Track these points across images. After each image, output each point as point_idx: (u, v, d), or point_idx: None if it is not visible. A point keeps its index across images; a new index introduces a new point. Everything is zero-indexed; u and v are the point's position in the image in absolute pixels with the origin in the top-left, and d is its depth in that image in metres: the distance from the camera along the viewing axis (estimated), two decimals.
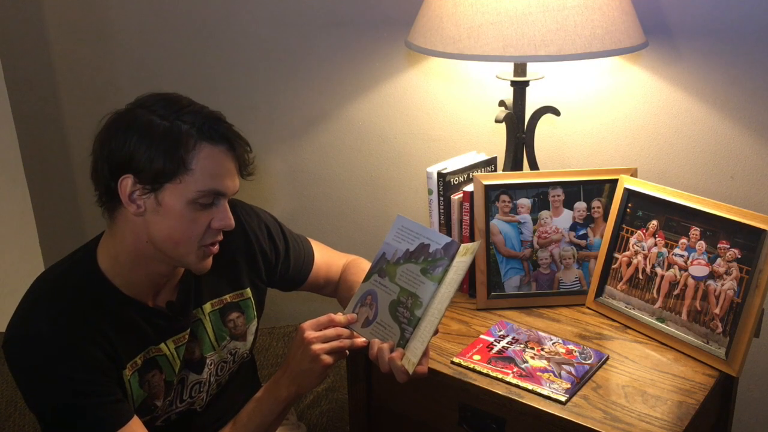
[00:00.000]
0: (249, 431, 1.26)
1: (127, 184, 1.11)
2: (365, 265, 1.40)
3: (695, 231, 1.32)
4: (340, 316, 1.23)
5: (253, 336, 1.40)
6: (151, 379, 1.22)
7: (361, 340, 1.22)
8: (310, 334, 1.19)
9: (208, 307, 1.30)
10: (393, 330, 1.19)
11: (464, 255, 1.18)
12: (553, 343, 1.34)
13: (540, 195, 1.46)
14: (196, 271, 1.21)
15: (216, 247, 1.20)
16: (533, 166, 1.57)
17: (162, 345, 1.23)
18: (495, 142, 1.68)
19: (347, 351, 1.23)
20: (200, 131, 1.12)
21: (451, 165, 1.52)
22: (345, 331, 1.22)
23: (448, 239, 1.20)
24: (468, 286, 1.54)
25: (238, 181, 1.18)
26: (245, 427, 1.26)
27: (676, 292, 1.34)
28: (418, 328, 1.16)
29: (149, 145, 1.10)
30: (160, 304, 1.24)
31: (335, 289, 1.50)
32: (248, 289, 1.36)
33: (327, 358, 1.19)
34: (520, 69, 1.50)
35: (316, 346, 1.18)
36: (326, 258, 1.50)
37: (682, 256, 1.34)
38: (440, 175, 1.49)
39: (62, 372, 1.10)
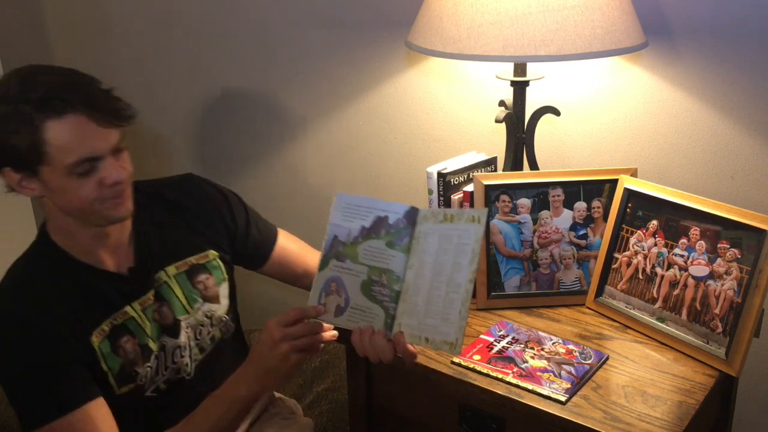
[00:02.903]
0: (205, 429, 1.23)
1: (9, 175, 1.15)
2: None
3: (695, 231, 1.32)
4: (309, 309, 1.19)
5: (229, 300, 1.41)
6: (125, 344, 1.24)
7: (331, 334, 1.19)
8: (280, 331, 1.15)
9: (172, 269, 1.33)
10: (374, 311, 1.15)
11: (454, 221, 1.12)
12: (553, 343, 1.34)
13: (540, 195, 1.46)
14: (117, 219, 1.21)
15: (125, 194, 1.19)
16: (533, 166, 1.57)
17: (128, 308, 1.26)
18: (495, 142, 1.68)
19: (319, 346, 1.20)
20: (40, 108, 1.10)
21: (451, 165, 1.52)
22: (316, 326, 1.18)
23: (407, 207, 1.16)
24: None
25: (113, 132, 1.15)
26: (201, 426, 1.23)
27: (676, 292, 1.34)
28: (433, 306, 1.11)
29: (3, 136, 1.11)
30: (123, 271, 1.28)
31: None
32: (212, 251, 1.38)
33: (296, 357, 1.16)
34: (520, 69, 1.50)
35: (286, 345, 1.15)
36: (305, 249, 1.51)
37: (682, 256, 1.34)
38: (440, 175, 1.49)
39: (18, 349, 1.15)
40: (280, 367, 1.16)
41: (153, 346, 1.28)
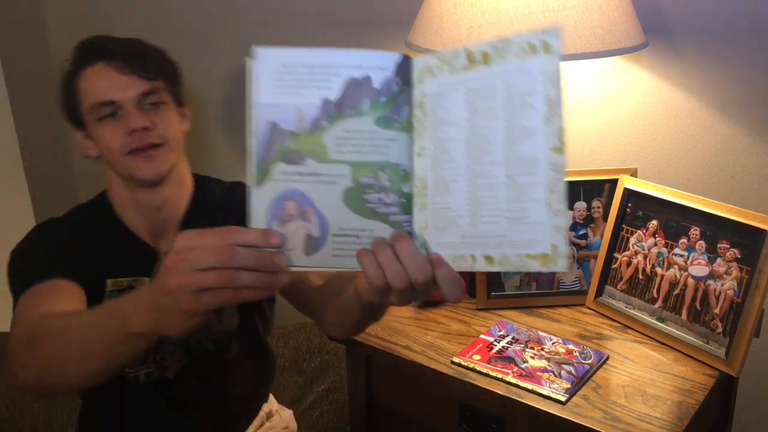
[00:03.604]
0: (78, 321, 0.94)
1: (77, 137, 1.26)
2: None
3: (695, 231, 1.32)
4: (251, 234, 0.72)
5: (234, 322, 1.32)
6: None
7: (284, 278, 0.72)
8: (176, 254, 0.71)
9: None
10: (375, 232, 0.73)
11: (491, 62, 0.71)
12: (553, 343, 1.34)
13: None
14: (144, 178, 1.22)
15: (154, 153, 1.21)
16: None
17: (148, 279, 1.27)
18: None
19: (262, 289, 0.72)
20: (77, 64, 1.22)
21: None
22: (263, 258, 0.70)
23: (396, 55, 0.74)
24: (468, 286, 1.54)
25: (137, 82, 1.20)
26: (77, 318, 0.96)
27: (676, 292, 1.34)
28: (485, 204, 0.71)
29: (61, 100, 1.26)
30: (161, 252, 1.30)
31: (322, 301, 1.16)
32: None
33: (190, 300, 0.71)
34: None
35: (175, 279, 0.70)
36: None
37: (682, 256, 1.34)
38: None
39: (37, 243, 1.23)
40: (171, 306, 0.73)
41: None
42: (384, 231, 0.73)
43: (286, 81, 0.73)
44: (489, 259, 0.71)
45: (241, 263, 0.69)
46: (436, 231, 0.73)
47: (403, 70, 0.73)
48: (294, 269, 0.73)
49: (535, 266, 0.69)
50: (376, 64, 0.73)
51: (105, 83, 1.19)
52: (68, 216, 1.30)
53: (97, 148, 1.24)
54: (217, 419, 1.36)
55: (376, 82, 0.73)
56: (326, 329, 1.14)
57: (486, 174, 0.71)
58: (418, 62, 0.74)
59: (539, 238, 0.68)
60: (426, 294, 0.73)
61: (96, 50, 1.21)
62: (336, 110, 0.73)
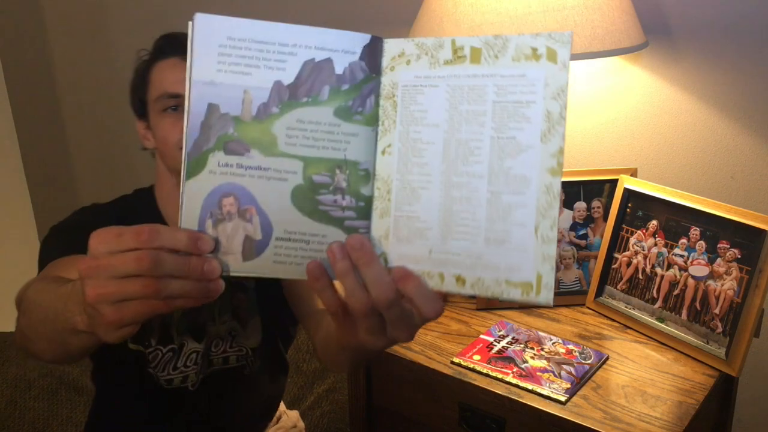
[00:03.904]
0: (45, 297, 0.82)
1: (139, 127, 1.27)
2: None
3: (695, 231, 1.32)
4: (177, 235, 0.63)
5: (258, 337, 1.32)
6: None
7: (220, 285, 0.63)
8: (89, 259, 0.63)
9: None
10: (327, 239, 0.65)
11: (481, 61, 0.64)
12: (553, 343, 1.34)
13: None
14: None
15: None
16: None
17: None
18: None
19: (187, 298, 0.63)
20: (154, 55, 1.24)
21: None
22: (191, 265, 0.62)
23: (363, 36, 0.66)
24: None
25: None
26: (45, 293, 0.82)
27: (676, 292, 1.34)
28: (460, 219, 0.64)
29: (133, 89, 1.27)
30: None
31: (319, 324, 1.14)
32: (252, 281, 1.31)
33: (113, 312, 0.62)
34: None
35: (92, 289, 0.62)
36: None
37: (682, 256, 1.34)
38: None
39: (76, 222, 1.24)
40: (95, 315, 0.64)
41: (174, 335, 1.25)
42: (336, 237, 0.65)
43: (232, 57, 0.64)
44: (460, 279, 0.64)
45: (166, 271, 0.61)
46: (398, 242, 0.66)
47: (372, 54, 0.65)
48: (231, 275, 0.64)
49: (515, 295, 0.62)
50: (341, 46, 0.64)
51: (176, 76, 1.19)
52: (112, 203, 1.31)
53: (155, 140, 1.24)
54: (231, 429, 1.36)
55: (339, 66, 0.65)
56: (321, 360, 1.14)
57: (464, 185, 0.64)
58: (391, 46, 0.66)
59: (522, 265, 0.62)
60: (398, 323, 0.63)
61: (174, 44, 1.21)
62: (289, 96, 0.64)
